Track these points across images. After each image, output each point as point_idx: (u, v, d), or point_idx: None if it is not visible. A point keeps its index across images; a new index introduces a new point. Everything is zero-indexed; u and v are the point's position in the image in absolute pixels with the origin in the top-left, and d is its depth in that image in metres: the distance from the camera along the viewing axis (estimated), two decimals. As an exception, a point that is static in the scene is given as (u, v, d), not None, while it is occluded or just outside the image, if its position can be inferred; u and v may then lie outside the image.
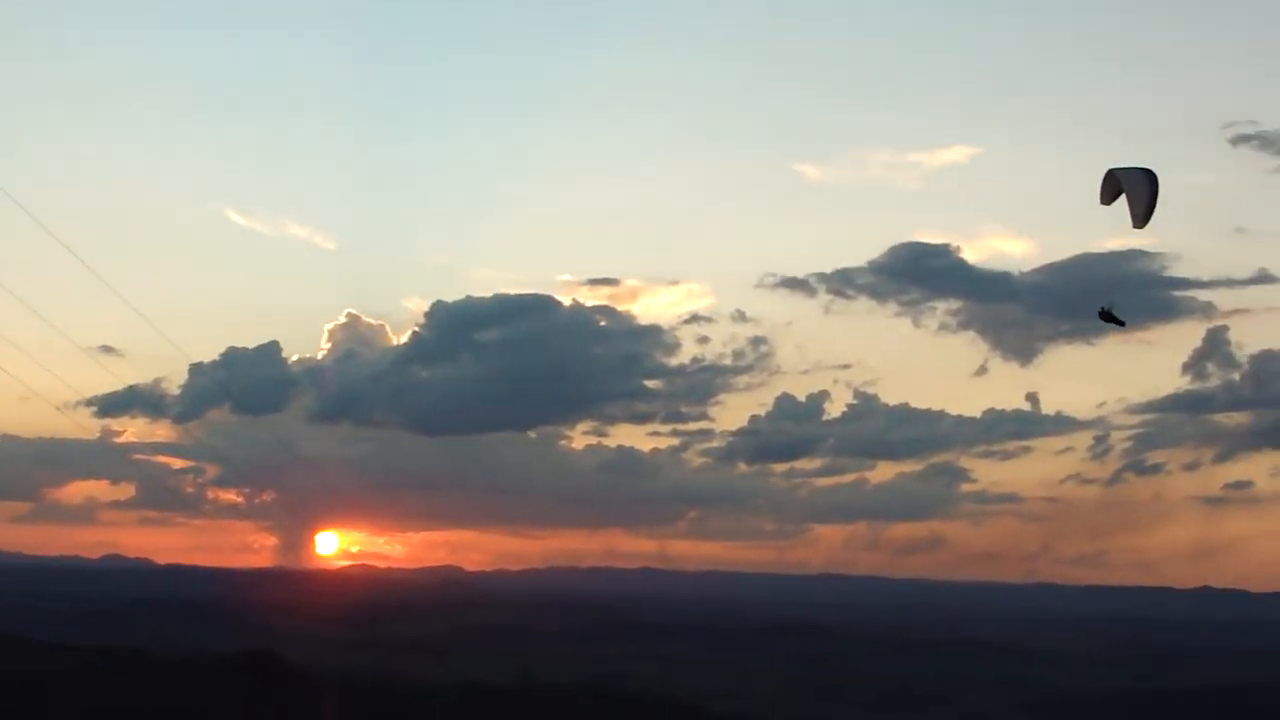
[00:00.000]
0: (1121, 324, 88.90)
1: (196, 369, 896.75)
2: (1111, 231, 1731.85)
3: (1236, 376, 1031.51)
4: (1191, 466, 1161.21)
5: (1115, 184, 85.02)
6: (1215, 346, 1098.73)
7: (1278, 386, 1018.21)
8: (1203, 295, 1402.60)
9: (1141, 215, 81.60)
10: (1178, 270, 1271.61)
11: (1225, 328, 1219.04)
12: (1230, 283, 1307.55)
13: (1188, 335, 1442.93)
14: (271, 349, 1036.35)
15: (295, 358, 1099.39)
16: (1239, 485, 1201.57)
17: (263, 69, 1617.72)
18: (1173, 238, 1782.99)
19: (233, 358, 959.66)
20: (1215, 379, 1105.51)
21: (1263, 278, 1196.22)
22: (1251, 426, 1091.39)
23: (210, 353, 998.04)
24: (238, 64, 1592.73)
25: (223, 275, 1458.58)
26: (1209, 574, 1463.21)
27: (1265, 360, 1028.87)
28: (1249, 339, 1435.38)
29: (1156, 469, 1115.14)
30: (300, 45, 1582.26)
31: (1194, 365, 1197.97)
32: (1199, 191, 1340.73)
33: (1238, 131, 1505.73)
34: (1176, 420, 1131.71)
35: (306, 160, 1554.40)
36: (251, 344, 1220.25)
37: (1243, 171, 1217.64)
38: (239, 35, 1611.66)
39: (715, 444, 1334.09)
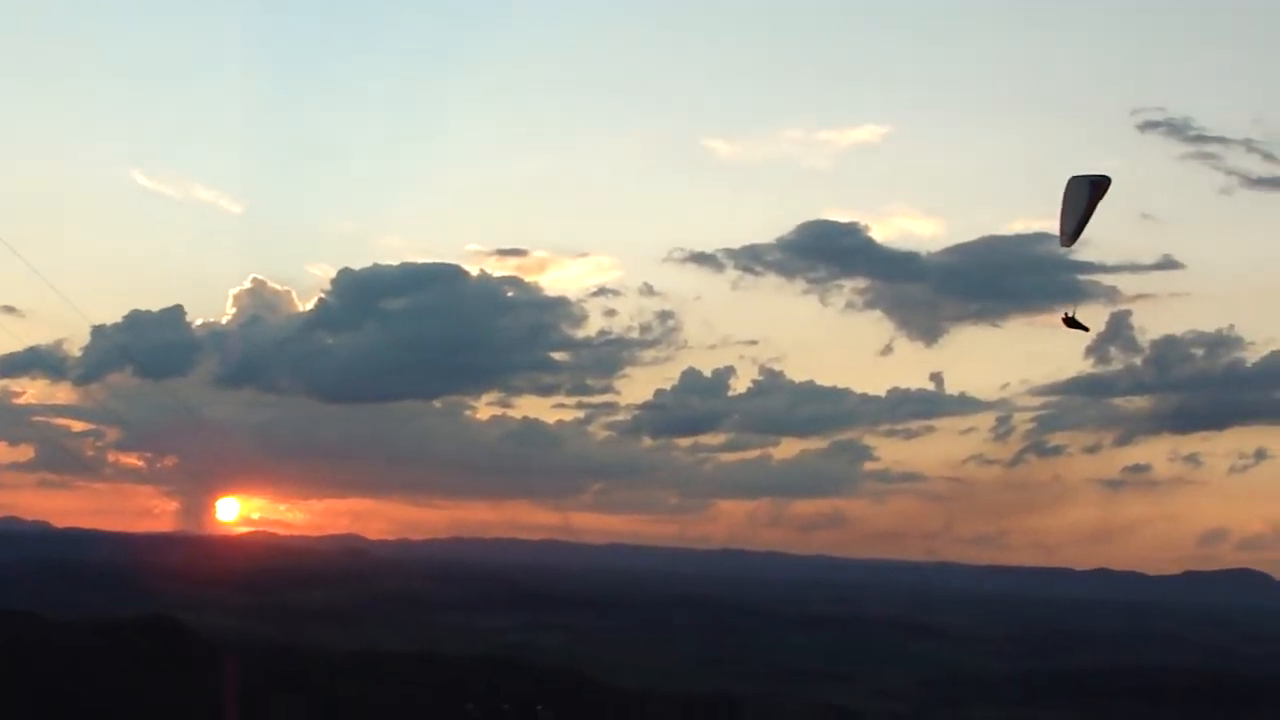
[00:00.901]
0: (1085, 329, 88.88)
1: (99, 331, 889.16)
2: (1018, 214, 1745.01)
3: (1138, 361, 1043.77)
4: (1092, 449, 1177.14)
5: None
6: (1118, 331, 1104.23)
7: (1178, 372, 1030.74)
8: (1107, 280, 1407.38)
9: (1069, 233, 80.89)
10: (1083, 254, 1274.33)
11: (1129, 312, 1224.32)
12: (1135, 268, 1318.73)
13: (1091, 319, 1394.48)
14: (175, 313, 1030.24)
15: (199, 322, 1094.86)
16: (1138, 469, 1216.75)
17: (174, 31, 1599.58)
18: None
19: (136, 320, 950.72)
20: (1117, 363, 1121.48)
21: (1167, 264, 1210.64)
22: (1152, 411, 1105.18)
23: (113, 315, 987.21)
24: (148, 25, 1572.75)
25: (127, 237, 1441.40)
26: (1107, 556, 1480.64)
27: (1167, 345, 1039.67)
28: (1152, 324, 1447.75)
29: (1057, 451, 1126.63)
30: (212, 8, 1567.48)
31: (1097, 349, 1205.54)
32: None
33: (1146, 118, 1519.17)
34: (1078, 403, 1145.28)
35: (214, 123, 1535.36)
36: (155, 307, 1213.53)
37: (1150, 158, 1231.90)
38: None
39: (620, 417, 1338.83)
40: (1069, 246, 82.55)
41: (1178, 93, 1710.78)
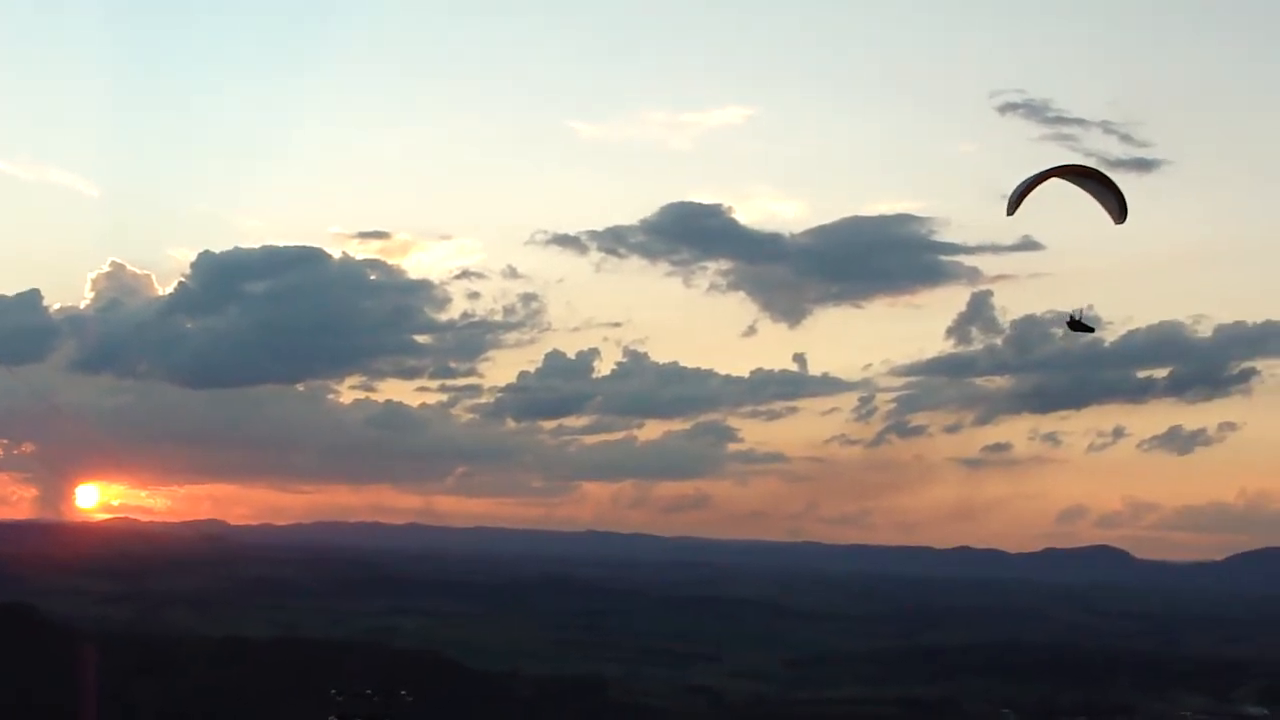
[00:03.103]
0: (1091, 330, 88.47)
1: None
2: (881, 195, 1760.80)
3: (999, 341, 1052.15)
4: (953, 429, 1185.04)
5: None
6: (979, 311, 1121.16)
7: (1038, 351, 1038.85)
8: (968, 260, 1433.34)
9: (1011, 201, 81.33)
10: (945, 235, 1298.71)
11: (990, 293, 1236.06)
12: (995, 249, 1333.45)
13: (953, 299, 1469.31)
14: (32, 297, 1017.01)
15: (57, 306, 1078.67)
16: (998, 448, 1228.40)
17: (27, 12, 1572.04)
18: (940, 203, 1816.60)
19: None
20: (978, 343, 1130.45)
21: (1027, 244, 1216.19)
22: (1011, 390, 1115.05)
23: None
24: (2, 4, 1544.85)
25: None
26: (967, 534, 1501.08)
27: (1027, 325, 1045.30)
28: (1012, 304, 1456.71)
29: (919, 431, 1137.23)
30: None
31: (958, 329, 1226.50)
32: (966, 158, 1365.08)
33: (1005, 100, 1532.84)
34: (939, 383, 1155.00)
35: (69, 105, 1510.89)
36: (11, 291, 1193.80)
37: (1009, 139, 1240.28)
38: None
39: (484, 400, 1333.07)
40: (1010, 215, 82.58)
41: (1036, 75, 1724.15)
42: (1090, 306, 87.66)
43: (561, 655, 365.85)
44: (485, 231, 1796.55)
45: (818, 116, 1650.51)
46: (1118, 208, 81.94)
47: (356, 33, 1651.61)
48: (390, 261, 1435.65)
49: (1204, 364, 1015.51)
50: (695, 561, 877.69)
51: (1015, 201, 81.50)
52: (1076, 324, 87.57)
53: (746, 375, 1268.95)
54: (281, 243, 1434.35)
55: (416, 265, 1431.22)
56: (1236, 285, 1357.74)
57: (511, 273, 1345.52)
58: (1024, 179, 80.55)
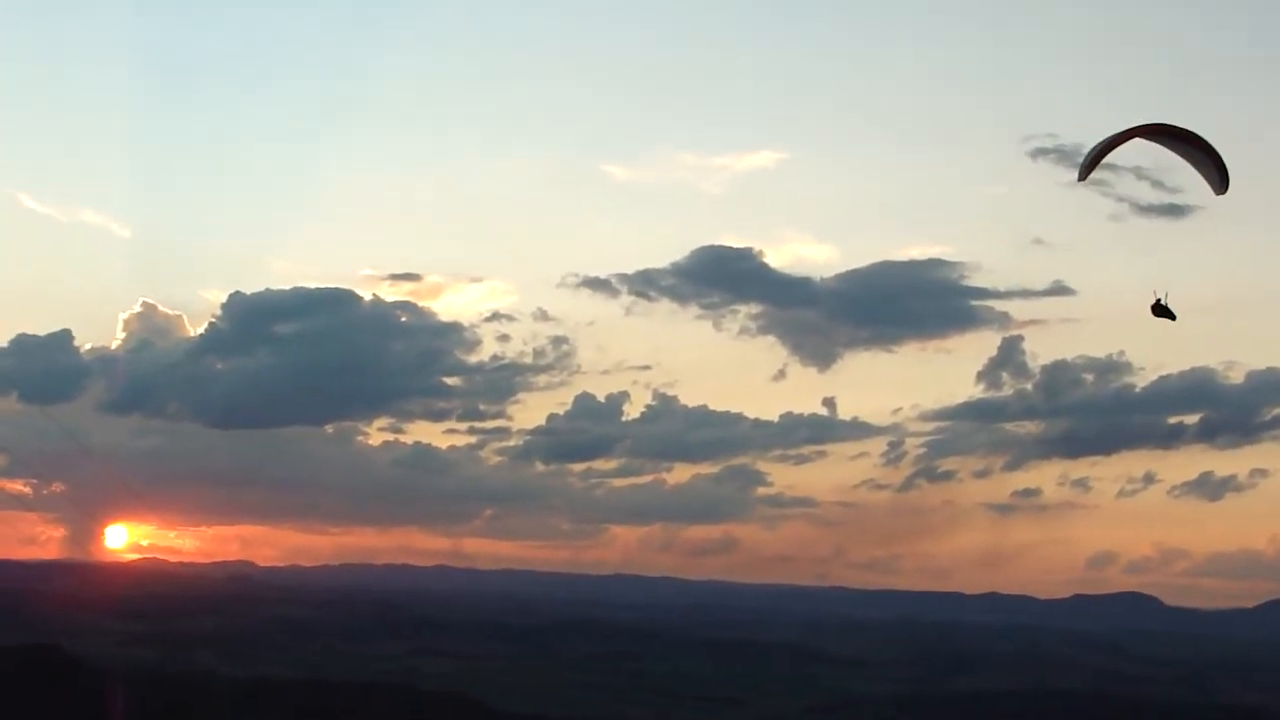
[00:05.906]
0: (1173, 317, 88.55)
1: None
2: (912, 240, 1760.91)
3: (1029, 386, 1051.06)
4: (982, 474, 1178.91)
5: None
6: (1010, 356, 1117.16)
7: (1069, 397, 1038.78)
8: (999, 305, 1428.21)
9: (1083, 166, 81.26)
10: (976, 280, 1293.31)
11: (1020, 338, 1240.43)
12: (1026, 293, 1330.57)
13: (984, 344, 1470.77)
14: (63, 337, 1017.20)
15: (88, 346, 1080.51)
16: (1027, 493, 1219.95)
17: (61, 51, 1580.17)
18: (971, 247, 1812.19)
19: (22, 345, 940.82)
20: (1009, 388, 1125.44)
21: (1058, 289, 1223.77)
22: (1041, 436, 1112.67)
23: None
24: (35, 45, 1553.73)
25: (13, 260, 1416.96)
26: (997, 580, 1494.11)
27: (1057, 371, 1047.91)
28: (1043, 349, 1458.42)
29: (948, 476, 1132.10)
30: (99, 27, 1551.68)
31: (988, 374, 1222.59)
32: (998, 202, 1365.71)
33: (1037, 145, 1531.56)
34: (969, 428, 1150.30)
35: (101, 146, 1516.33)
36: (42, 331, 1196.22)
37: (1041, 184, 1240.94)
38: (38, 12, 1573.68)
39: (513, 443, 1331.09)
40: (1081, 181, 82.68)
41: (1068, 120, 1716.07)
42: (1166, 295, 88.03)
43: (588, 698, 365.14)
44: (516, 274, 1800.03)
45: (849, 160, 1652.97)
46: (1219, 177, 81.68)
47: (390, 75, 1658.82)
48: (421, 304, 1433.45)
49: (1236, 410, 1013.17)
50: (722, 605, 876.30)
51: (1090, 165, 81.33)
52: (1160, 309, 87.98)
53: (776, 419, 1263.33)
54: (313, 284, 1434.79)
55: (447, 307, 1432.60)
56: (1269, 332, 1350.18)
57: (542, 315, 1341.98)
58: (1103, 138, 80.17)
